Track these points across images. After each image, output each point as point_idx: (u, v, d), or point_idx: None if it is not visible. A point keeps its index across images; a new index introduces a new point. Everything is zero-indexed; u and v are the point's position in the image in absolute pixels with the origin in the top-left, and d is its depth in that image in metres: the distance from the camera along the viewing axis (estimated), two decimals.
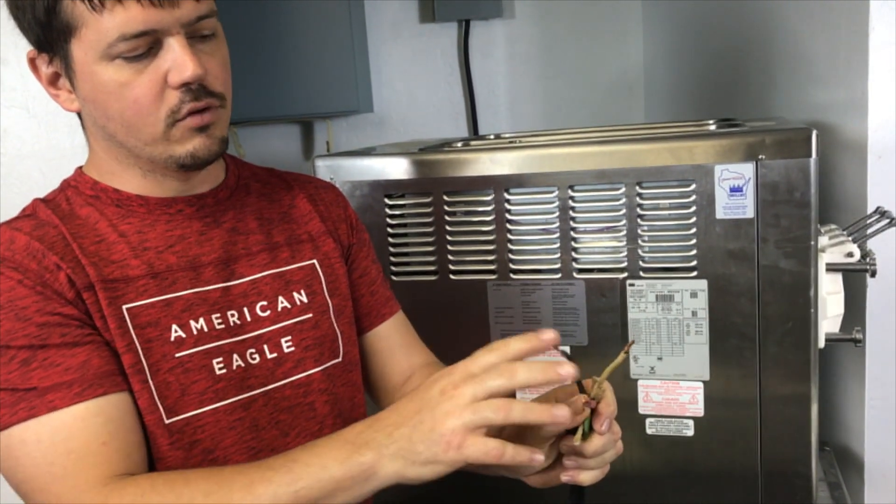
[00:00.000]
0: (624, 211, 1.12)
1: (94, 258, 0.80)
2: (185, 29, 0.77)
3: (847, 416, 1.36)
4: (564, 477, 0.78)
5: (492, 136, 1.54)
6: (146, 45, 0.76)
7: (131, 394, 0.78)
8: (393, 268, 1.23)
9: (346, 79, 2.05)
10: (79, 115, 0.86)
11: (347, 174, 1.22)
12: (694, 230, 1.09)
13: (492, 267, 1.19)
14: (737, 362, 1.11)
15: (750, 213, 1.06)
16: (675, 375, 1.13)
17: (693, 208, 1.09)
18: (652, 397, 1.14)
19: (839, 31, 1.29)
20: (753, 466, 1.13)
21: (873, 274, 1.13)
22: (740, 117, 1.46)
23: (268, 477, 0.70)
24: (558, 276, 1.16)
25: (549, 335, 0.70)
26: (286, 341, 0.89)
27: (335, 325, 0.94)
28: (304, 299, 0.91)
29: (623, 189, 1.11)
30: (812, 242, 1.05)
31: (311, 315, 0.91)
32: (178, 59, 0.76)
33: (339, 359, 0.93)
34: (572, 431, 0.76)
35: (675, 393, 1.13)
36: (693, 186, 1.08)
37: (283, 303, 0.90)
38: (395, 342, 1.03)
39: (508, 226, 1.17)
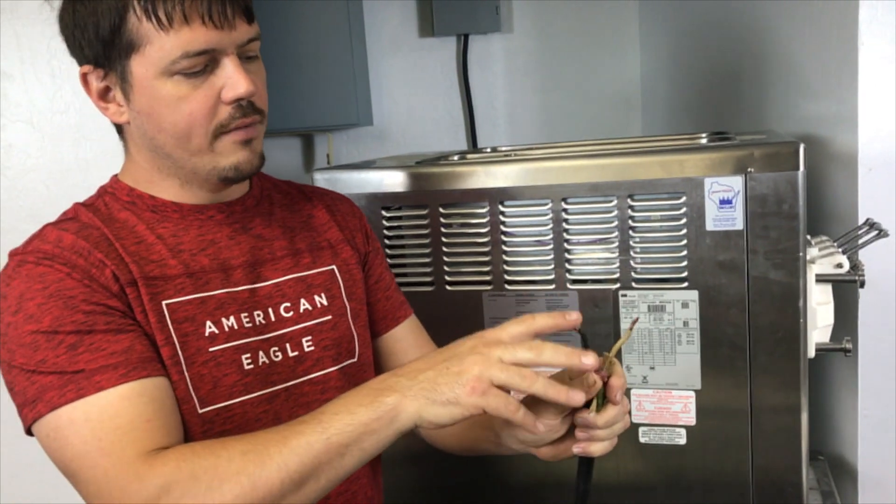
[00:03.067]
0: (616, 223, 1.14)
1: (136, 257, 0.85)
2: (238, 50, 0.84)
3: (841, 425, 1.37)
4: (576, 449, 0.83)
5: (489, 150, 1.56)
6: (203, 63, 0.82)
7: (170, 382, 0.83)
8: None
9: (347, 93, 2.08)
10: (117, 127, 0.91)
11: (345, 187, 1.24)
12: (684, 242, 1.11)
13: (487, 278, 1.21)
14: (728, 372, 1.12)
15: (739, 224, 1.08)
16: (667, 385, 1.15)
17: (683, 220, 1.11)
18: (645, 406, 1.16)
19: (830, 47, 1.31)
20: (745, 474, 1.14)
21: (862, 284, 1.14)
22: (734, 130, 1.48)
23: (299, 430, 0.75)
24: (552, 286, 1.18)
25: (573, 316, 0.77)
26: (307, 341, 0.93)
27: (352, 327, 0.98)
28: (325, 302, 0.96)
29: (615, 201, 1.13)
30: (800, 254, 1.07)
31: (330, 317, 0.96)
32: (232, 77, 0.83)
33: (355, 359, 0.98)
34: (587, 405, 0.80)
35: (667, 402, 1.15)
36: (683, 199, 1.10)
37: (304, 305, 0.95)
38: (409, 343, 1.07)
39: (503, 237, 1.19)
